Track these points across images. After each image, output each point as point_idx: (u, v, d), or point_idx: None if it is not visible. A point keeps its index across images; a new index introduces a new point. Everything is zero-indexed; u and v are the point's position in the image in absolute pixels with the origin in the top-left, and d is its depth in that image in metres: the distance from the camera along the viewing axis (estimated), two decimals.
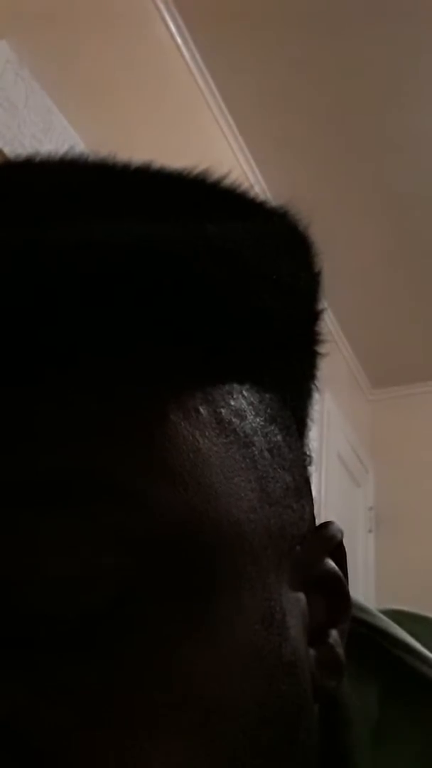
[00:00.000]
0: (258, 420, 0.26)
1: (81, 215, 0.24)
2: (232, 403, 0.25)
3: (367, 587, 2.81)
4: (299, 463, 0.29)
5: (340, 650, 0.27)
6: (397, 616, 0.34)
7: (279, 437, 0.27)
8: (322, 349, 0.31)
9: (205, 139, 2.08)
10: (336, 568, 0.28)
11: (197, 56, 1.97)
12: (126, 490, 0.21)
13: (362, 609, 0.33)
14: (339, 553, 0.29)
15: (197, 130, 2.05)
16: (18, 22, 1.36)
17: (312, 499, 0.30)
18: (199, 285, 0.24)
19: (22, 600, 0.20)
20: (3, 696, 0.20)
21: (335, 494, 2.64)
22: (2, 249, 0.22)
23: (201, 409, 0.24)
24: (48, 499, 0.21)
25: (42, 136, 1.37)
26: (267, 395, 0.27)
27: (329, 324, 2.72)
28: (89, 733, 0.20)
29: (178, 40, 1.91)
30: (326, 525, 0.29)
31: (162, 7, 1.84)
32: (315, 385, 0.31)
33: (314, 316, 0.30)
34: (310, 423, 0.32)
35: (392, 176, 2.29)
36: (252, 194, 0.31)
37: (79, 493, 0.21)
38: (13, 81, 1.33)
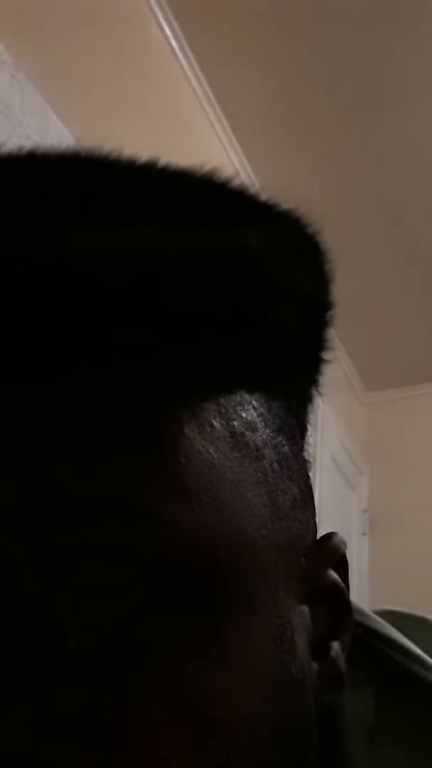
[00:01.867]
0: (267, 431, 0.26)
1: (98, 220, 0.24)
2: (244, 415, 0.25)
3: (361, 589, 2.81)
4: (303, 473, 0.29)
5: (342, 664, 0.26)
6: (392, 617, 0.34)
7: (286, 448, 0.27)
8: (328, 355, 0.30)
9: (200, 140, 2.08)
10: (339, 580, 0.28)
11: (192, 58, 1.97)
12: (140, 508, 0.21)
13: (358, 611, 0.33)
14: (342, 565, 0.28)
15: (192, 132, 2.05)
16: (14, 23, 1.36)
17: (314, 508, 0.30)
18: (221, 296, 0.23)
19: (32, 618, 0.20)
20: (5, 721, 0.19)
21: (330, 497, 2.64)
22: (23, 253, 0.21)
23: (215, 423, 0.23)
24: (61, 517, 0.20)
25: (37, 137, 1.37)
26: (274, 404, 0.27)
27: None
28: (97, 752, 0.19)
29: (173, 42, 1.91)
30: (329, 536, 0.29)
31: (157, 9, 1.84)
32: (317, 390, 0.31)
33: (325, 324, 0.30)
34: (309, 428, 0.32)
35: (388, 178, 2.29)
36: (261, 196, 0.30)
37: (94, 511, 0.20)
38: (9, 82, 1.32)
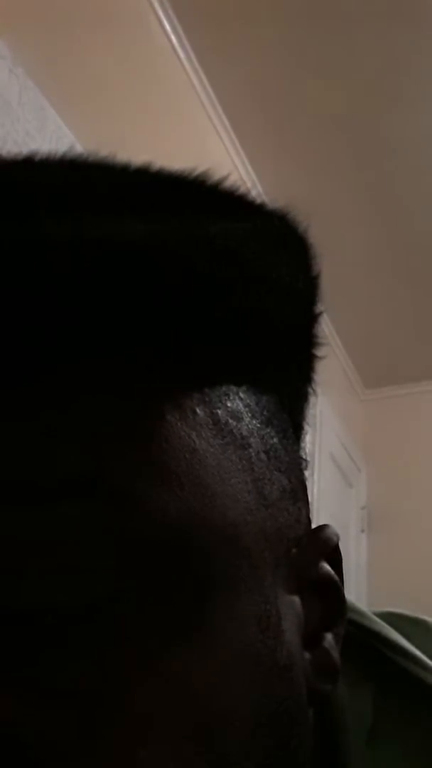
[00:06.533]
0: (255, 422, 0.26)
1: (81, 213, 0.24)
2: (229, 404, 0.25)
3: (359, 587, 2.82)
4: (295, 466, 0.29)
5: (335, 654, 0.27)
6: (392, 618, 0.34)
7: (275, 440, 0.27)
8: (319, 351, 0.31)
9: (199, 137, 2.08)
10: (332, 571, 0.28)
11: (192, 55, 1.97)
12: (121, 490, 0.21)
13: (357, 611, 0.33)
14: (335, 556, 0.28)
15: (192, 129, 2.05)
16: (12, 19, 1.35)
17: (308, 503, 0.30)
18: (198, 284, 0.24)
19: (12, 597, 0.20)
20: None
21: (328, 494, 2.64)
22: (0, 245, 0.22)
23: (198, 410, 0.24)
24: (44, 499, 0.21)
25: (36, 133, 1.37)
26: (264, 397, 0.27)
27: (323, 324, 2.72)
28: (80, 737, 0.19)
29: (173, 38, 1.91)
30: (322, 528, 0.29)
31: (157, 5, 1.84)
32: (312, 388, 0.31)
33: (312, 318, 0.30)
34: (305, 427, 0.32)
35: (387, 177, 2.29)
36: (251, 196, 0.30)
37: (74, 493, 0.21)
38: (7, 78, 1.32)
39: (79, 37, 1.54)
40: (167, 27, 1.88)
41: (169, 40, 1.90)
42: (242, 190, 0.30)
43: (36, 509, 0.20)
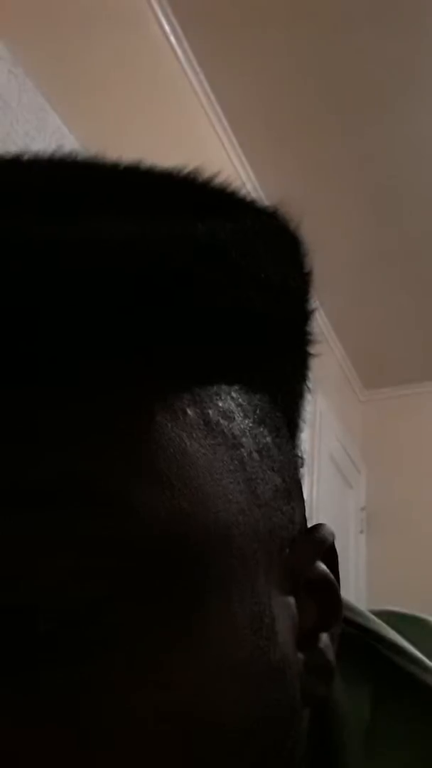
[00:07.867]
0: (247, 421, 0.26)
1: (67, 213, 0.24)
2: (220, 404, 0.25)
3: (358, 588, 2.82)
4: (289, 465, 0.29)
5: (331, 655, 0.26)
6: (389, 617, 0.34)
7: (268, 439, 0.27)
8: (313, 349, 0.30)
9: (198, 138, 2.08)
10: (327, 571, 0.28)
11: (191, 56, 1.97)
12: (112, 493, 0.21)
13: (354, 611, 0.33)
14: (330, 556, 0.28)
15: (191, 130, 2.05)
16: (12, 20, 1.35)
17: (303, 502, 0.30)
18: (186, 284, 0.24)
19: (2, 600, 0.20)
20: None
21: (327, 495, 2.64)
22: None
23: (188, 411, 0.24)
24: (34, 503, 0.20)
25: (35, 134, 1.37)
26: (256, 396, 0.27)
27: (321, 325, 2.72)
28: (68, 745, 0.19)
29: (172, 39, 1.91)
30: (317, 527, 0.29)
31: (156, 6, 1.84)
32: (306, 386, 0.31)
33: (305, 316, 0.30)
34: (301, 424, 0.32)
35: (386, 178, 2.29)
36: (242, 193, 0.30)
37: (65, 497, 0.20)
38: (7, 79, 1.32)
39: (79, 37, 1.54)
40: (166, 28, 1.88)
41: (169, 42, 1.91)
42: (233, 186, 0.30)
43: (24, 512, 0.20)
